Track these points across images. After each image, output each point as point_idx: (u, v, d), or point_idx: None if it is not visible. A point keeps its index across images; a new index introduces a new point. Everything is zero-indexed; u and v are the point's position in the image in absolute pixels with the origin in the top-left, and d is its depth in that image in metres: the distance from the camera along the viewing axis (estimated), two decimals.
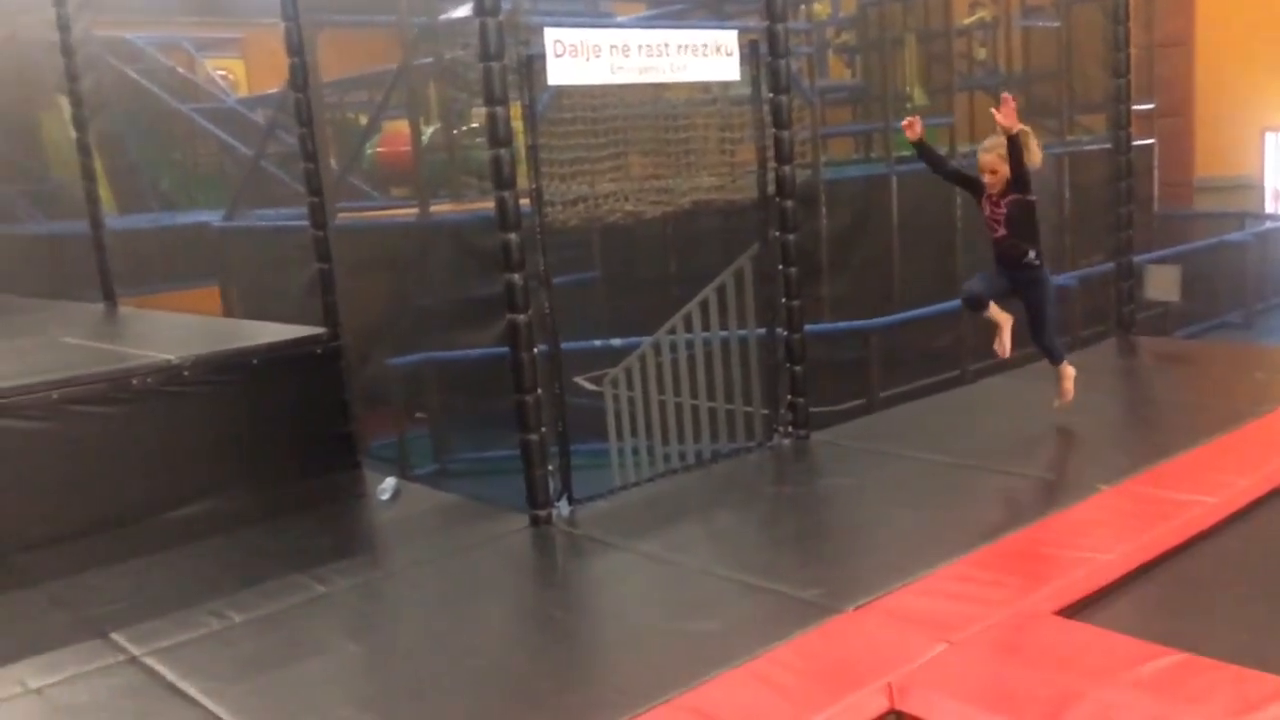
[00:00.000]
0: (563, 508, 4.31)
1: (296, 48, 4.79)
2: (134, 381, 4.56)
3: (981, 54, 10.93)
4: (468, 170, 7.97)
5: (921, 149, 4.64)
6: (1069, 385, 4.90)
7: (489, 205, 4.46)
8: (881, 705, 2.76)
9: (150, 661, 3.29)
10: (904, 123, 4.63)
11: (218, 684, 3.12)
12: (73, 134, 9.65)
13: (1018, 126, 4.33)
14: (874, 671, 2.86)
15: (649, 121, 5.10)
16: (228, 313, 8.52)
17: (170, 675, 3.20)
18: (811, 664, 2.95)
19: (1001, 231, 4.61)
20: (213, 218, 9.58)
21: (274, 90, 11.85)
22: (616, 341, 6.78)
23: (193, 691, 3.09)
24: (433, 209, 7.51)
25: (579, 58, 4.21)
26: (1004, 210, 4.56)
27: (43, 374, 4.49)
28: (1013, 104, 4.30)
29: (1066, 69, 10.36)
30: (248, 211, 9.27)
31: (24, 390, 4.28)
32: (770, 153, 4.90)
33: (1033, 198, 4.54)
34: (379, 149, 10.27)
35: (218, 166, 12.20)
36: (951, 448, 4.74)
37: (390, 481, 4.82)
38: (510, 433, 4.36)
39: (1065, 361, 4.93)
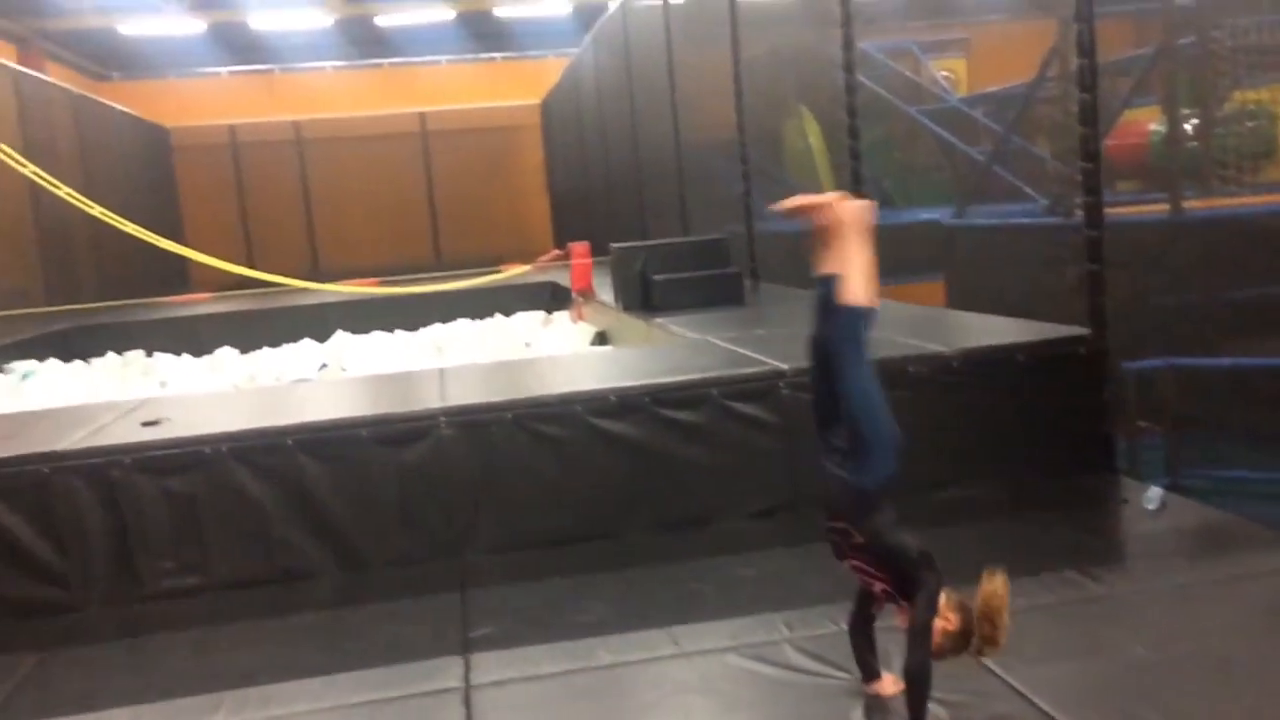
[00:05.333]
0: None
1: (1088, 49, 4.78)
2: (910, 369, 4.96)
3: None
4: (1224, 161, 7.31)
5: None
6: None
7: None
8: None
9: None
10: None
11: (1023, 664, 3.28)
12: (809, 141, 10.81)
13: None
14: None
15: None
16: (950, 305, 8.87)
17: None
18: None
19: None
20: (934, 214, 10.01)
21: (995, 88, 12.03)
22: None
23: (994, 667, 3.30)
24: (1185, 204, 7.04)
25: None
26: None
27: None
28: None
29: None
30: (970, 209, 9.54)
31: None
32: None
33: None
34: (1108, 142, 9.89)
35: (934, 164, 12.76)
36: None
37: (1156, 490, 4.64)
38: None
39: None
